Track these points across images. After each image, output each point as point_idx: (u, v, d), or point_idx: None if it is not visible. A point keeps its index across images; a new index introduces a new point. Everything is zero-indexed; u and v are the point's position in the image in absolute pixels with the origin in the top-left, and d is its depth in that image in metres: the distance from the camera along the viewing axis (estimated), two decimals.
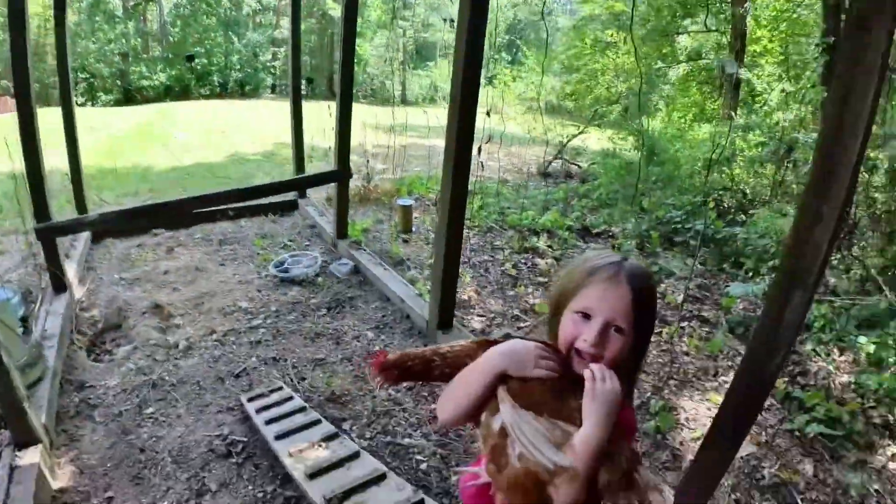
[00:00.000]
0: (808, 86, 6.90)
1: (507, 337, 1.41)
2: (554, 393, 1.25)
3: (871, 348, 3.90)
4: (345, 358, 3.81)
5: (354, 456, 2.65)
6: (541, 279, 5.35)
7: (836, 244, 4.72)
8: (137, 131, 12.96)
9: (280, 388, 3.29)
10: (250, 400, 3.16)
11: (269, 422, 2.89)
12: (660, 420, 3.24)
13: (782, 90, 8.24)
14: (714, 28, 11.22)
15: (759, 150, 7.72)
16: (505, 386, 1.27)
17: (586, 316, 1.28)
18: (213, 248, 5.60)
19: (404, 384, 3.52)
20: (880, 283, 4.57)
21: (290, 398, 3.16)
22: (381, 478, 2.54)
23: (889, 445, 3.20)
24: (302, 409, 3.03)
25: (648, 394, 3.55)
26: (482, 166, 5.27)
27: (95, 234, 5.61)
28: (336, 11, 23.03)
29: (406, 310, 4.38)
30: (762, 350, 1.95)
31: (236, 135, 13.03)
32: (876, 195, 5.14)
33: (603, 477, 1.13)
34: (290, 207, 6.97)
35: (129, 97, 19.92)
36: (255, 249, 5.61)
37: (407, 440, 3.04)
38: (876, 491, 2.90)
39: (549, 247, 6.15)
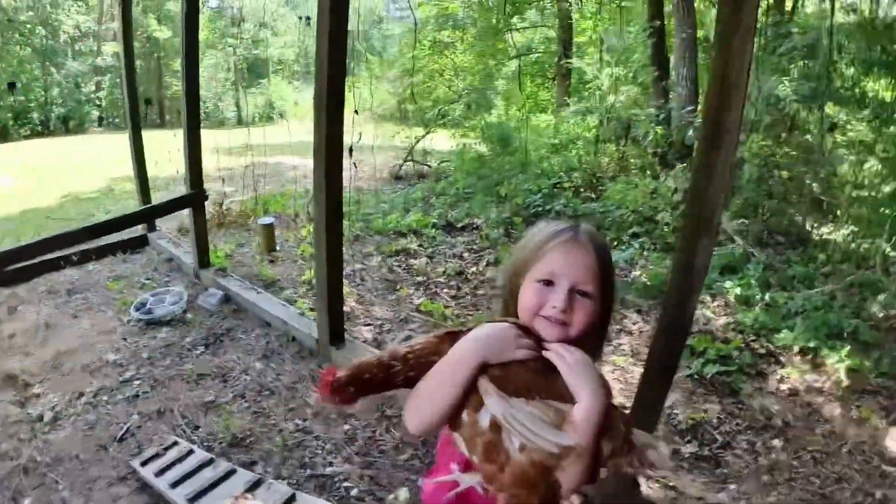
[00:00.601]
0: (640, 66, 7.38)
1: (409, 339, 1.26)
2: (538, 373, 1.14)
3: (737, 290, 4.30)
4: (237, 395, 3.42)
5: (291, 500, 2.36)
6: (419, 279, 5.26)
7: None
8: None
9: (175, 444, 2.87)
10: (144, 464, 2.72)
11: (174, 484, 2.49)
12: None
13: (611, 75, 8.81)
14: (541, 23, 11.76)
15: (598, 130, 8.21)
16: (486, 376, 1.13)
17: (549, 283, 1.20)
18: (63, 300, 4.87)
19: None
20: (730, 233, 4.96)
21: (191, 452, 2.76)
22: None
23: (776, 371, 3.50)
24: (209, 462, 2.65)
25: None
26: (354, 166, 5.03)
27: None
28: (161, 33, 21.44)
29: (290, 331, 4.05)
30: (678, 296, 2.05)
31: (67, 174, 11.68)
32: None
33: (606, 447, 1.09)
34: (140, 243, 6.25)
35: None
36: (110, 294, 4.95)
37: (329, 469, 2.78)
38: (777, 410, 3.15)
39: (420, 246, 6.08)
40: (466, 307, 4.73)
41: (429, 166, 10.65)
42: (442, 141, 11.63)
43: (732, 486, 2.65)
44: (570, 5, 10.63)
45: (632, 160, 7.95)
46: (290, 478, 2.69)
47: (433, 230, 6.53)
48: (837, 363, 3.39)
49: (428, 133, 10.93)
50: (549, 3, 11.47)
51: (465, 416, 1.13)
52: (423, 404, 1.17)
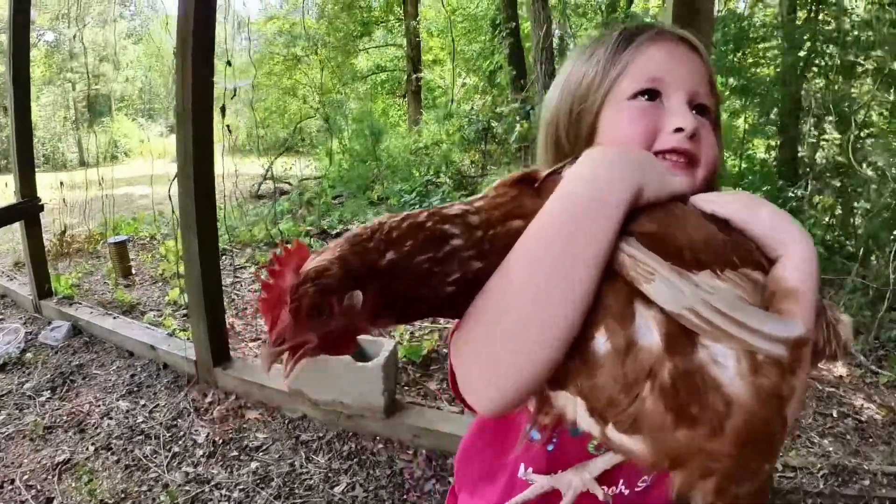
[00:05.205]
0: (495, 68, 7.11)
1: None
2: (709, 221, 0.56)
3: None
4: (101, 448, 2.49)
5: None
6: None
7: None
8: None
9: None
10: None
11: None
12: None
13: (463, 84, 8.60)
14: (391, 43, 11.31)
15: (459, 134, 7.92)
16: (630, 238, 0.50)
17: (653, 95, 0.64)
18: None
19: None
20: None
21: None
22: None
23: None
24: None
25: None
26: (229, 130, 4.10)
27: None
28: None
29: (161, 358, 3.19)
30: None
31: None
32: None
33: (820, 330, 0.61)
34: None
35: None
36: None
37: None
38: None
39: None
40: None
41: (289, 184, 9.75)
42: (298, 166, 10.78)
43: None
44: (419, 24, 10.29)
45: (497, 157, 7.78)
46: None
47: (307, 238, 5.83)
48: None
49: (286, 148, 9.98)
50: (397, 23, 11.04)
51: (599, 340, 0.48)
52: (521, 325, 0.48)
